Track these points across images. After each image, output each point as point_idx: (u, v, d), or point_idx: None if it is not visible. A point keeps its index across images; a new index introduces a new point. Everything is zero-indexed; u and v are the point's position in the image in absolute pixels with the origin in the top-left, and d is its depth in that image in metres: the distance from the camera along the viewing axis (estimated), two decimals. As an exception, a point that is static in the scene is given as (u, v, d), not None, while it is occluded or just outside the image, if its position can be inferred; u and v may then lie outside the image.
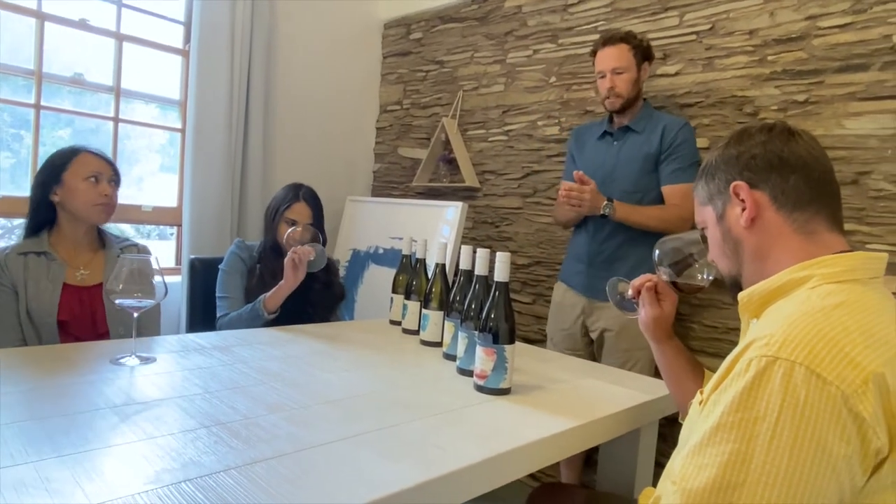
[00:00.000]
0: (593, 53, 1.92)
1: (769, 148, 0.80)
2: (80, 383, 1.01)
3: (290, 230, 1.75)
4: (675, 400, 1.10)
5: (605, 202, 1.76)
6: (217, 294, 1.79)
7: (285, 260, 1.67)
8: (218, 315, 1.77)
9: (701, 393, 0.83)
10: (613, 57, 1.84)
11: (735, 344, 0.84)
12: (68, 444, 0.77)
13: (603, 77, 1.87)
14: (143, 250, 1.60)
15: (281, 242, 1.82)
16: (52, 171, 1.48)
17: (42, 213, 1.49)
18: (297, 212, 1.83)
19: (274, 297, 1.68)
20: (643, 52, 1.86)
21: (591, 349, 1.98)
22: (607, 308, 1.84)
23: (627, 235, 1.84)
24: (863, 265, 0.75)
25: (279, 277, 1.79)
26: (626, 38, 1.85)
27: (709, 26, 1.98)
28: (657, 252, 1.07)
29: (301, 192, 1.86)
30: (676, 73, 2.05)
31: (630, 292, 1.13)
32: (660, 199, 1.85)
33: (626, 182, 1.86)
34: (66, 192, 1.48)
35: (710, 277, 1.02)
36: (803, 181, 0.79)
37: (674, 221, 1.76)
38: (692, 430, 0.74)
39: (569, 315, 1.99)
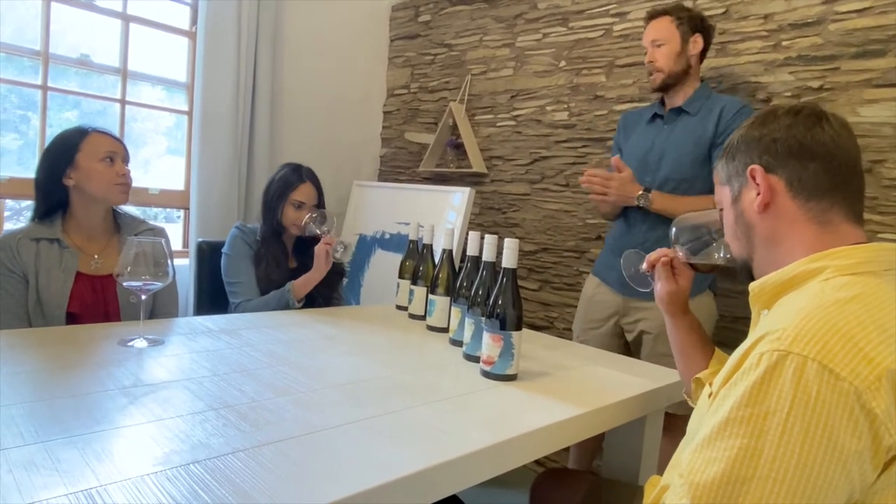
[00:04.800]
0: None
1: (792, 132, 0.78)
2: (89, 364, 1.02)
3: (307, 217, 1.74)
4: (682, 376, 1.11)
5: (640, 192, 1.62)
6: (227, 279, 1.78)
7: (317, 249, 1.68)
8: (233, 301, 1.75)
9: (710, 385, 0.82)
10: (653, 29, 1.74)
11: (744, 333, 0.83)
12: (78, 424, 0.78)
13: (646, 54, 1.77)
14: (160, 234, 1.57)
15: (285, 225, 1.81)
16: (64, 154, 1.42)
17: (54, 198, 1.43)
18: (303, 193, 1.82)
19: (304, 285, 1.69)
20: (692, 24, 1.71)
21: (625, 352, 1.80)
22: (647, 308, 1.73)
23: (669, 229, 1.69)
24: (877, 257, 0.74)
25: (283, 262, 1.80)
26: (671, 10, 1.73)
27: (723, 10, 1.94)
28: (674, 230, 1.06)
29: (304, 173, 1.85)
30: (688, 58, 2.01)
31: (644, 266, 1.12)
32: (709, 191, 1.65)
33: (674, 169, 1.70)
34: (81, 174, 1.42)
35: (727, 256, 1.00)
36: (823, 170, 0.77)
37: None
38: (701, 423, 0.73)
39: (601, 312, 1.85)
